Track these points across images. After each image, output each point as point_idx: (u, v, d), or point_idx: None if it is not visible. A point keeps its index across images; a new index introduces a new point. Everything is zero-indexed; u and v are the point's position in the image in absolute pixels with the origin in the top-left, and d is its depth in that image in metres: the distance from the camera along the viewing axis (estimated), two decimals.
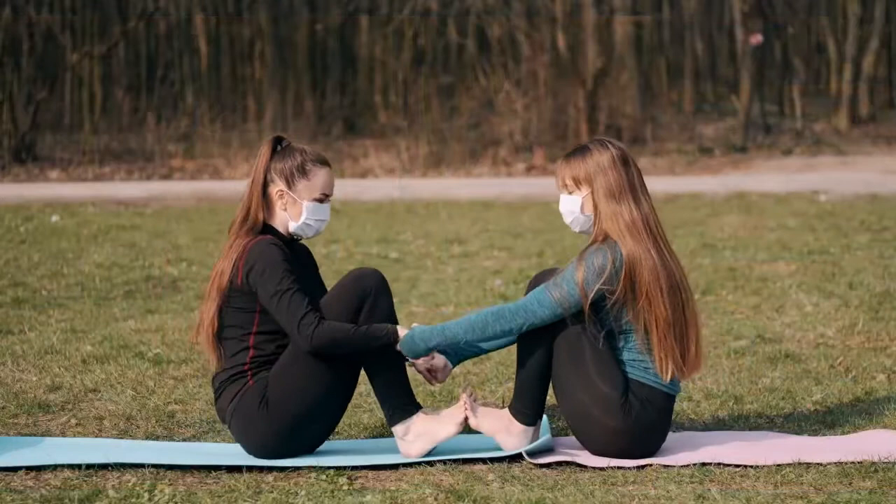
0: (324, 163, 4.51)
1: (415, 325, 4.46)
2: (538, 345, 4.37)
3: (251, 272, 4.31)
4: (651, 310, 4.27)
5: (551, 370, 4.40)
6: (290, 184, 4.45)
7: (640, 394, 4.32)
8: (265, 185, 4.46)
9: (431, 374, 4.49)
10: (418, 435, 4.36)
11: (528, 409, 4.41)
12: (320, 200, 4.49)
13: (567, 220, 4.46)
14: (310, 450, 4.41)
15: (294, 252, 4.49)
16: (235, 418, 4.35)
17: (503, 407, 4.66)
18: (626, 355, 4.37)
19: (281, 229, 4.48)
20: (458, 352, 4.61)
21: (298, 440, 4.36)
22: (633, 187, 4.36)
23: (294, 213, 4.46)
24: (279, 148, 4.51)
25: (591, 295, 4.25)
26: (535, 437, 4.45)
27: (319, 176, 4.48)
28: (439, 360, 4.48)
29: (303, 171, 4.45)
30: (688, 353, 4.36)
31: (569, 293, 4.27)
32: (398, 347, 4.35)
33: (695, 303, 4.41)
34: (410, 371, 4.53)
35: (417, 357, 4.38)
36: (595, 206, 4.36)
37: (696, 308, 4.43)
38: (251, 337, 4.36)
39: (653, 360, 4.33)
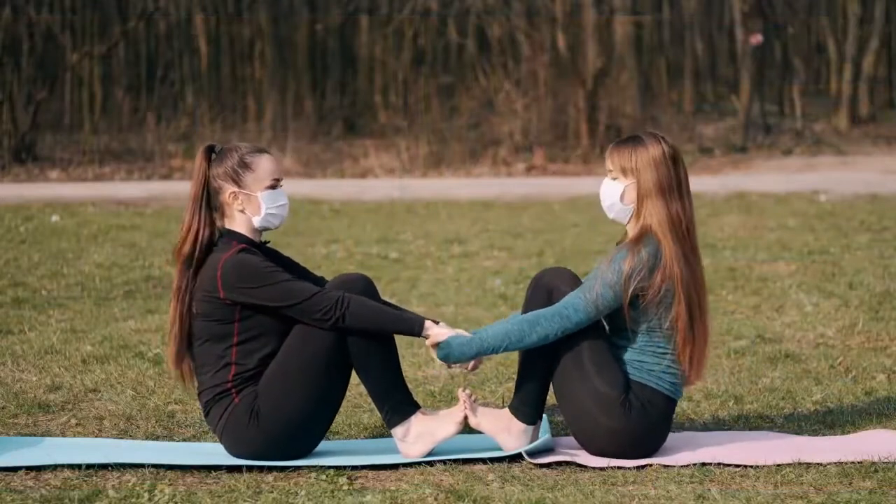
0: (262, 151, 4.46)
1: (442, 324, 4.45)
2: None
3: (236, 286, 4.26)
4: (685, 312, 4.27)
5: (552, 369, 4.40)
6: (237, 182, 4.39)
7: (641, 395, 4.32)
8: (209, 196, 4.40)
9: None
10: (418, 436, 4.36)
11: (528, 407, 4.40)
12: (273, 187, 4.43)
13: (604, 204, 4.44)
14: (305, 454, 4.41)
15: (266, 255, 4.46)
16: (226, 435, 4.33)
17: (503, 407, 4.66)
18: (629, 355, 4.36)
19: (246, 232, 4.42)
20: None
21: (293, 448, 4.35)
22: (679, 186, 4.34)
23: (253, 209, 4.41)
24: (214, 156, 4.45)
25: (628, 295, 4.24)
26: (535, 436, 4.45)
27: (262, 164, 4.42)
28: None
29: (245, 165, 4.40)
30: (695, 360, 4.36)
31: (602, 294, 4.26)
32: (435, 356, 4.37)
33: (709, 316, 4.39)
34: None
35: (453, 364, 4.40)
36: (641, 199, 4.34)
37: (710, 320, 4.42)
38: (232, 350, 4.32)
39: (660, 362, 4.32)
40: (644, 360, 4.34)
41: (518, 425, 4.41)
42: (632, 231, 4.39)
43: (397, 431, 4.37)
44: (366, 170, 20.42)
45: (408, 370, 5.71)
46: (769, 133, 23.26)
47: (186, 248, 4.36)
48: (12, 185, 18.52)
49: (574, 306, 4.27)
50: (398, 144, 21.54)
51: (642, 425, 4.30)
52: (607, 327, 4.40)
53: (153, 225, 12.46)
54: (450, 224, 12.42)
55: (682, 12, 28.42)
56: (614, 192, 4.39)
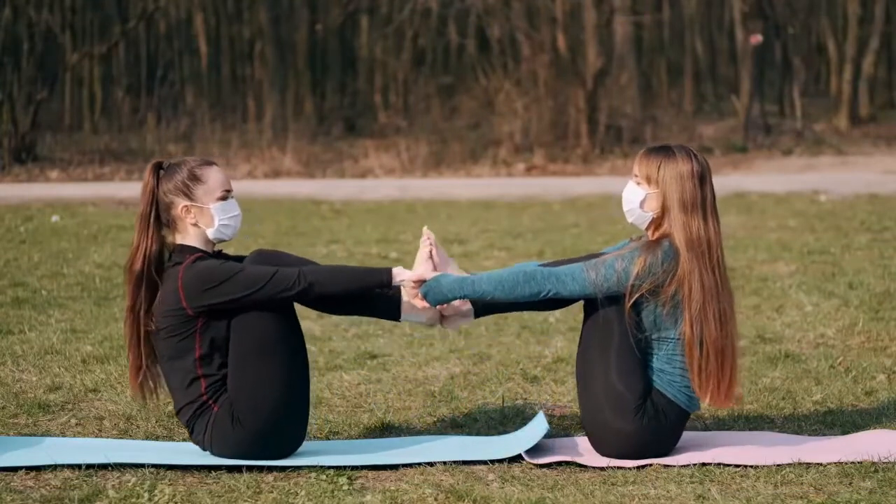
0: (210, 163, 4.47)
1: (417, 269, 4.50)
2: (555, 304, 4.43)
3: (201, 291, 4.25)
4: (690, 332, 4.25)
5: (524, 307, 4.47)
6: (188, 195, 4.38)
7: (658, 402, 4.31)
8: (158, 212, 4.39)
9: (443, 316, 4.55)
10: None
11: (485, 308, 4.49)
12: (224, 198, 4.43)
13: (625, 207, 4.42)
14: (298, 444, 4.41)
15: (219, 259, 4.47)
16: (216, 444, 4.33)
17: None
18: (656, 363, 4.34)
19: (199, 244, 4.41)
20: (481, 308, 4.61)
21: (283, 438, 4.34)
22: (703, 205, 4.30)
23: (206, 221, 4.40)
24: (162, 172, 4.45)
25: (632, 289, 4.22)
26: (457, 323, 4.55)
27: (212, 175, 4.42)
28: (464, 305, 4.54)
29: (195, 178, 4.39)
30: (722, 382, 4.34)
31: (605, 277, 4.25)
32: (420, 293, 4.39)
33: (731, 342, 4.36)
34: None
35: (439, 304, 4.39)
36: (665, 211, 4.31)
37: (736, 342, 4.38)
38: (197, 363, 4.32)
39: (683, 375, 4.32)
40: (667, 369, 4.32)
41: (466, 306, 4.48)
42: (651, 236, 4.38)
43: (404, 306, 4.48)
44: (366, 170, 20.43)
45: (408, 370, 5.72)
46: (769, 133, 23.26)
47: (137, 265, 4.37)
48: (12, 185, 18.53)
49: (573, 275, 4.27)
50: (398, 144, 21.56)
51: (652, 432, 4.29)
52: (641, 331, 4.36)
53: None
54: (450, 224, 12.42)
55: (682, 12, 28.44)
56: (636, 197, 4.37)
